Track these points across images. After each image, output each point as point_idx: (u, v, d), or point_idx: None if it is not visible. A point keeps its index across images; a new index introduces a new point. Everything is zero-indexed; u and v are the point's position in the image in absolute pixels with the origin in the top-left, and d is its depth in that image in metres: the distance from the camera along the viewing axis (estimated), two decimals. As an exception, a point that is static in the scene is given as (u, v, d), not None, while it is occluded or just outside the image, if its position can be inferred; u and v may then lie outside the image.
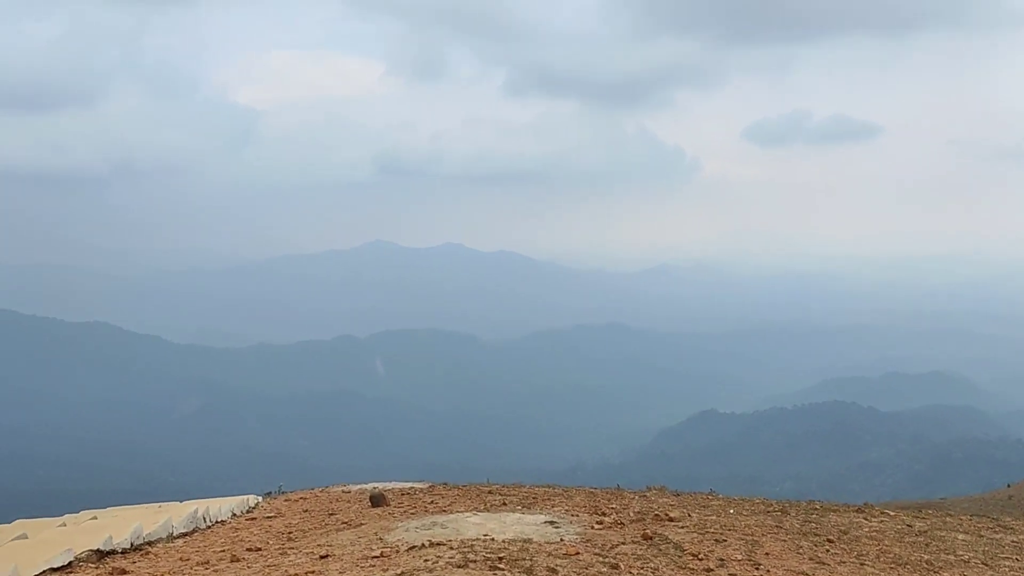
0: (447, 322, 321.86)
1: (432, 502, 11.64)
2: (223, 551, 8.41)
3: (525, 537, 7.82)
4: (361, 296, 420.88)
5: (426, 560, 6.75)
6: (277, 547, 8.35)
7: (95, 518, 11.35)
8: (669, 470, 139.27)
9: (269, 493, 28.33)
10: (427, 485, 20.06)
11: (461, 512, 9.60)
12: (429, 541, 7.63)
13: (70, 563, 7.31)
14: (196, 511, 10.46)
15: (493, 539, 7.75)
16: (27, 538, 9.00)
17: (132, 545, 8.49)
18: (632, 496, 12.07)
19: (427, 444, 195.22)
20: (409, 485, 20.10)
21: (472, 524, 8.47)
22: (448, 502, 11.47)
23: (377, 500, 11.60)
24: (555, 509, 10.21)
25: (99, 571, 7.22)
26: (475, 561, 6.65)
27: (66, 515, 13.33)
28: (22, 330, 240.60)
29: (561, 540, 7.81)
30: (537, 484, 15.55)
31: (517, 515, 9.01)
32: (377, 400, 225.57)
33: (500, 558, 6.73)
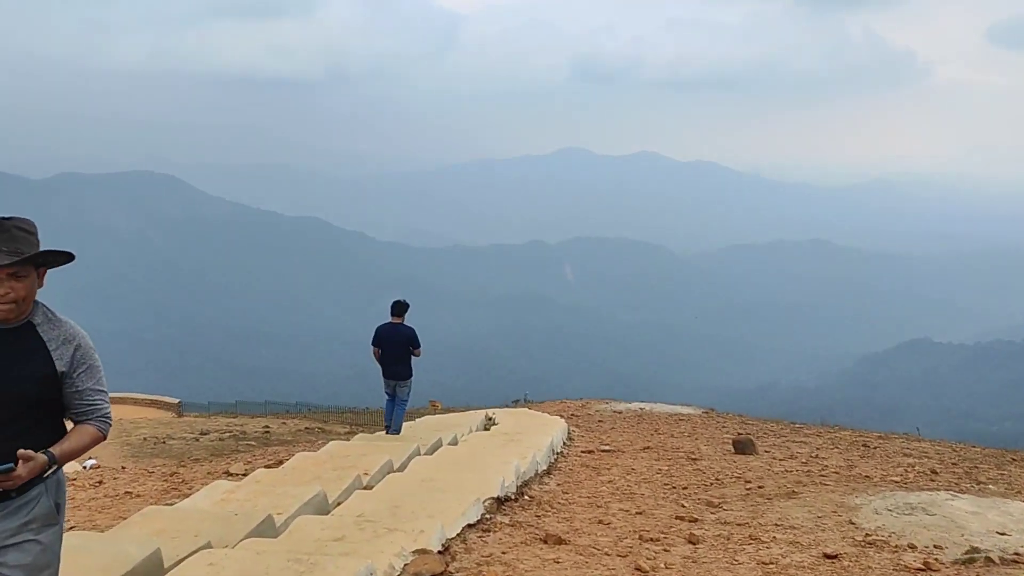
0: (638, 231, 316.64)
1: (813, 455, 9.46)
2: (627, 510, 6.66)
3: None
4: (553, 202, 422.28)
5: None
6: (713, 518, 6.44)
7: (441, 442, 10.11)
8: (872, 398, 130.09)
9: (517, 401, 27.54)
10: (703, 411, 17.97)
11: (929, 491, 7.29)
12: (974, 550, 5.34)
13: (481, 517, 5.78)
14: (551, 443, 8.89)
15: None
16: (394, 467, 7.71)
17: (517, 489, 6.96)
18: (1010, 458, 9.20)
19: (615, 353, 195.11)
20: (680, 410, 18.10)
21: (965, 513, 6.19)
22: (826, 456, 9.17)
23: (745, 447, 9.61)
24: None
25: (523, 534, 5.62)
26: None
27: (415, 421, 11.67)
28: (249, 222, 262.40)
29: None
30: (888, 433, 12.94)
31: (1020, 503, 6.63)
32: (566, 307, 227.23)
33: None
